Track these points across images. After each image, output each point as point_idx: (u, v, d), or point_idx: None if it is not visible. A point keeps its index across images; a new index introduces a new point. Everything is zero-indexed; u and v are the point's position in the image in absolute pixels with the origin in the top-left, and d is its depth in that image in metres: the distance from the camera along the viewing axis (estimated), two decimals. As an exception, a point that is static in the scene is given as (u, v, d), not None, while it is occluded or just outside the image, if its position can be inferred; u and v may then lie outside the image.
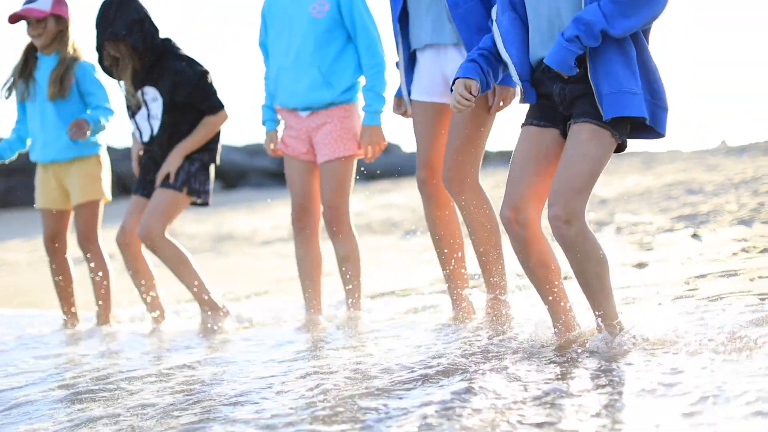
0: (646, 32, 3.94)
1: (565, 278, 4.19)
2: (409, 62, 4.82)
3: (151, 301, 6.15)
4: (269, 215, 17.91)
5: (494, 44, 4.07)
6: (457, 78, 4.00)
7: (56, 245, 6.49)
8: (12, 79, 6.40)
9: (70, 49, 6.28)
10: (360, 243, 5.55)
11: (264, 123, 5.57)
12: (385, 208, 16.28)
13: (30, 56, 6.38)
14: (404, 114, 4.96)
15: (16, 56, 6.42)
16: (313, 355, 4.57)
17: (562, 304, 4.09)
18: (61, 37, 6.30)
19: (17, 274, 13.69)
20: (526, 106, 4.09)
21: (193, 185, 5.91)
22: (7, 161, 6.52)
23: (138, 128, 6.02)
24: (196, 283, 5.90)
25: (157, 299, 6.17)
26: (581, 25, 3.77)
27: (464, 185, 4.66)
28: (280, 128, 5.58)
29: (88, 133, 6.07)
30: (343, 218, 5.38)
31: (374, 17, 5.34)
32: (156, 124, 5.91)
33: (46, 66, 6.35)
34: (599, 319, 3.94)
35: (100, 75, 6.29)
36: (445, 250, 4.87)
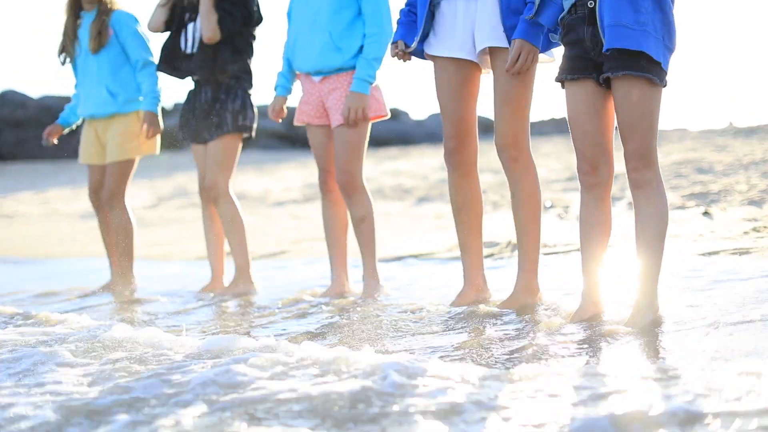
0: None
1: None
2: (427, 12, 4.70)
3: (215, 256, 6.20)
4: (279, 177, 18.04)
5: None
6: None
7: (99, 199, 6.51)
8: (63, 44, 6.45)
9: (107, 1, 6.35)
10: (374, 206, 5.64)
11: (275, 88, 5.65)
12: (395, 175, 16.40)
13: (73, 16, 6.44)
14: (403, 57, 4.79)
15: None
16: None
17: (600, 269, 4.26)
18: None
19: (30, 225, 13.85)
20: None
21: (242, 122, 6.01)
22: (74, 126, 6.62)
23: (188, 37, 6.08)
24: (241, 248, 6.01)
25: (222, 256, 6.21)
26: None
27: (519, 152, 4.63)
28: (292, 98, 5.70)
29: (159, 127, 6.24)
30: (356, 181, 5.45)
31: None
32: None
33: (86, 22, 6.41)
34: (640, 284, 4.09)
35: (140, 26, 6.38)
36: (465, 220, 4.85)
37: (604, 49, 3.99)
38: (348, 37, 5.40)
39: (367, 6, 5.38)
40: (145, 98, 6.29)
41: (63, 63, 6.52)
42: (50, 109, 32.90)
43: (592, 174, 4.21)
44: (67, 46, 6.46)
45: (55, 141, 6.59)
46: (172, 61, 6.13)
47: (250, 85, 6.09)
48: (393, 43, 4.84)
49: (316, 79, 5.48)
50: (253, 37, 6.10)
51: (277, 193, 15.00)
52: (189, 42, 6.09)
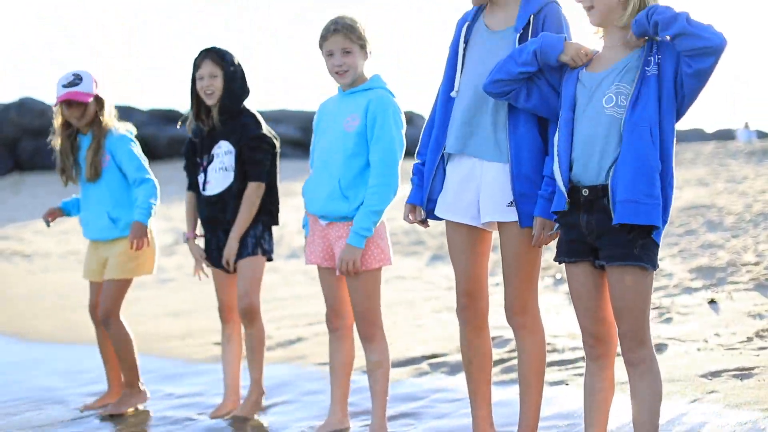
0: (670, 136, 4.20)
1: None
2: (437, 168, 4.83)
3: (231, 377, 6.38)
4: (294, 204, 18.01)
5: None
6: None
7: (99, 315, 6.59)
8: (61, 166, 6.49)
9: (103, 127, 6.42)
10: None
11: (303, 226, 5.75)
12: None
13: (69, 136, 6.49)
14: (421, 223, 4.96)
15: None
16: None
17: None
18: (99, 117, 6.43)
19: (51, 271, 14.05)
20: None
21: (264, 246, 6.17)
22: (69, 215, 6.76)
23: (207, 180, 6.18)
24: (259, 364, 6.22)
25: (238, 375, 6.39)
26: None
27: (527, 317, 4.77)
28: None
29: (148, 237, 6.32)
30: (376, 325, 5.52)
31: (402, 139, 5.38)
32: (230, 176, 6.12)
33: (84, 147, 6.47)
34: None
35: (135, 145, 6.48)
36: (475, 372, 4.97)
37: (613, 223, 4.16)
38: (356, 186, 5.39)
39: (375, 155, 5.34)
40: (137, 209, 6.33)
41: (65, 185, 6.59)
42: (67, 117, 33.09)
43: (597, 346, 4.42)
44: (67, 170, 6.50)
45: (52, 221, 6.69)
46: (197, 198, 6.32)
47: (276, 208, 6.24)
48: (409, 204, 4.96)
49: (323, 222, 5.50)
50: (275, 161, 6.23)
51: (291, 231, 15.08)
52: (206, 185, 6.22)
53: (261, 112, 6.31)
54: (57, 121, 6.52)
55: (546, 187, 4.54)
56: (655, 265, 4.21)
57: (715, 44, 3.98)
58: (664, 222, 4.22)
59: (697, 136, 39.61)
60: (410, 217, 5.00)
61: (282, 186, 6.34)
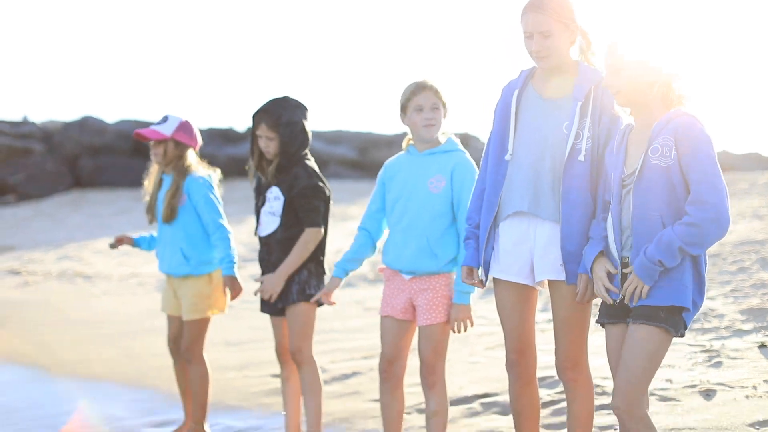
0: None
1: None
2: (489, 232, 5.06)
3: (291, 417, 6.56)
4: (351, 230, 18.20)
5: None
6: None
7: (178, 347, 6.92)
8: (149, 203, 6.89)
9: (183, 171, 6.76)
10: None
11: (335, 267, 5.95)
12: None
13: (160, 179, 6.91)
14: (479, 284, 5.15)
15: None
16: None
17: None
18: (179, 161, 6.78)
19: (112, 295, 14.33)
20: None
21: (309, 291, 6.31)
22: (138, 248, 7.15)
23: (259, 222, 6.44)
24: (316, 413, 6.36)
25: (298, 416, 6.56)
26: (663, 247, 4.34)
27: (577, 373, 4.98)
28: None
29: (240, 288, 6.64)
30: (439, 375, 5.73)
31: None
32: (276, 221, 6.34)
33: (165, 187, 6.83)
34: None
35: (213, 190, 6.79)
36: (524, 423, 5.19)
37: (632, 305, 4.47)
38: (443, 244, 5.65)
39: (464, 213, 5.54)
40: (221, 264, 6.65)
41: (150, 222, 6.99)
42: (126, 135, 33.57)
43: None
44: (152, 209, 6.91)
45: (119, 247, 7.09)
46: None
47: (322, 253, 6.40)
48: (466, 266, 5.15)
49: (407, 277, 5.76)
50: (327, 211, 6.41)
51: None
52: (259, 227, 6.48)
53: (318, 133, 6.54)
54: (154, 165, 6.94)
55: (589, 247, 4.77)
56: (678, 332, 4.44)
57: (717, 239, 4.34)
58: (696, 305, 4.46)
59: (753, 161, 39.13)
60: (467, 280, 5.20)
61: (338, 209, 6.58)
